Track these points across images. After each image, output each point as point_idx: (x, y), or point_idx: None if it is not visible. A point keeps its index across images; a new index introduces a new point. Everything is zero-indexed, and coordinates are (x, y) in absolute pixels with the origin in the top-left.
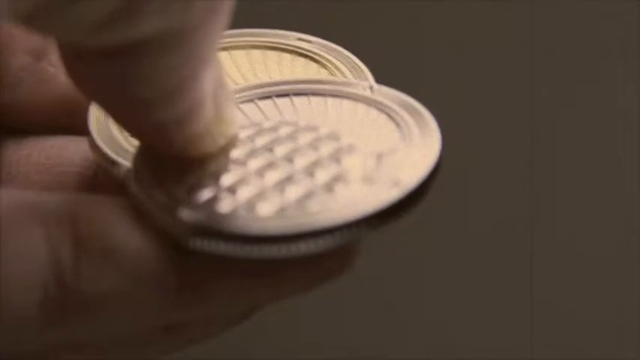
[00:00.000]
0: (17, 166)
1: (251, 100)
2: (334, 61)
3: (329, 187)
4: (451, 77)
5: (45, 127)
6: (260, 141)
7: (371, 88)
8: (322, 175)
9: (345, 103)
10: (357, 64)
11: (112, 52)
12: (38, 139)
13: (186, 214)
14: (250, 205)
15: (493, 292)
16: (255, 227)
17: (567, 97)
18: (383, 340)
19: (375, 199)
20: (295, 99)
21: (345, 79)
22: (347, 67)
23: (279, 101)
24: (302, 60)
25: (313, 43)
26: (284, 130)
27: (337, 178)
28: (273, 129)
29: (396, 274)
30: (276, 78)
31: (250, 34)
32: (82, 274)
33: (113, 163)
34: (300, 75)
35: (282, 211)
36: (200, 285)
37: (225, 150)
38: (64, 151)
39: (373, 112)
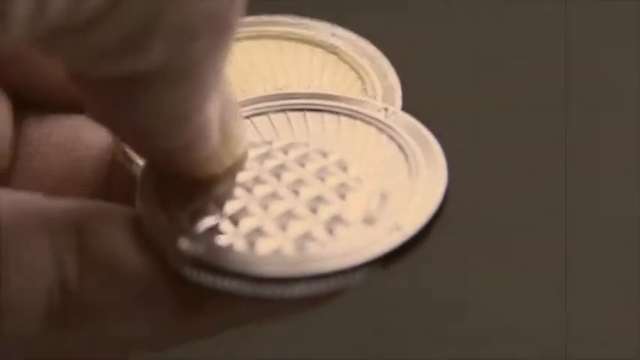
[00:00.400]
0: (37, 145)
1: (265, 114)
2: (365, 65)
3: (329, 227)
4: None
5: (66, 103)
6: (268, 164)
7: (385, 110)
8: (324, 212)
9: (358, 125)
10: (386, 72)
11: (117, 82)
12: (59, 117)
13: (185, 246)
14: (250, 241)
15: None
16: (251, 268)
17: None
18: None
19: (374, 246)
20: (309, 115)
21: (360, 98)
22: (376, 74)
23: (293, 116)
24: (333, 58)
25: (346, 41)
26: (293, 154)
27: (338, 218)
28: (283, 150)
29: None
30: (304, 76)
31: (285, 24)
32: (85, 285)
33: (130, 161)
34: (328, 73)
35: (280, 252)
36: (196, 305)
37: (232, 171)
38: (83, 134)
39: (384, 140)
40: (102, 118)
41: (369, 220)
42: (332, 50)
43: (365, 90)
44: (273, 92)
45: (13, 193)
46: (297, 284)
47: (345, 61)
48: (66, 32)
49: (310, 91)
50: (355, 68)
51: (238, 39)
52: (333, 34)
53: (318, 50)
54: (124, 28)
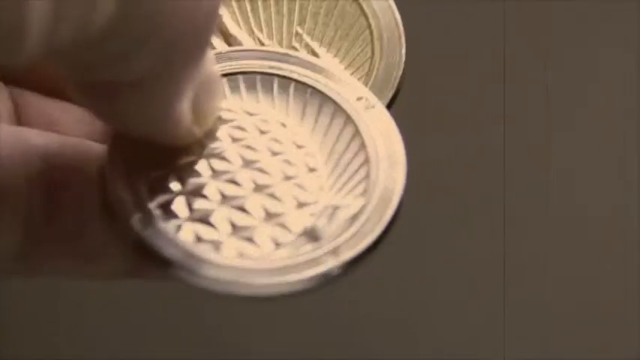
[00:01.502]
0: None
1: (253, 74)
2: (381, 18)
3: (273, 235)
4: None
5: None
6: (240, 141)
7: (366, 100)
8: (274, 215)
9: (337, 118)
10: (398, 34)
11: (101, 87)
12: None
13: (136, 224)
14: (196, 231)
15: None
16: (190, 263)
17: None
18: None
19: (308, 268)
20: (294, 89)
21: (347, 79)
22: (386, 34)
23: (279, 85)
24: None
25: None
26: (267, 137)
27: (285, 226)
28: (257, 128)
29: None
30: (316, 24)
31: None
32: (47, 236)
33: None
34: (337, 18)
35: (220, 251)
36: (141, 269)
37: (203, 141)
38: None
39: (356, 144)
40: (81, 105)
41: (312, 236)
42: None
43: (372, 43)
44: (269, 49)
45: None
46: (226, 288)
47: (364, 14)
48: (68, 48)
49: (304, 57)
50: (371, 26)
51: None
52: None
53: None
54: (121, 44)
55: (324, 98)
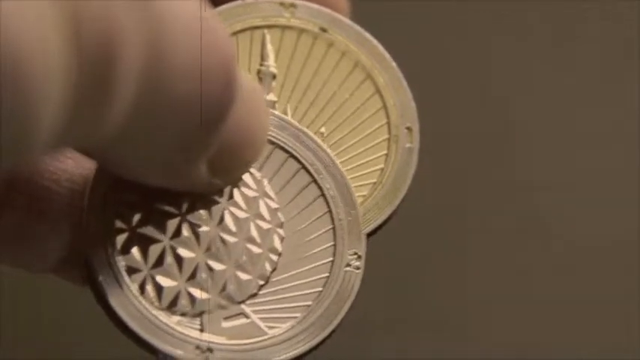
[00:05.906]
0: None
1: (295, 159)
2: (367, 60)
3: (175, 301)
4: None
5: None
6: (235, 204)
7: (357, 258)
8: (197, 283)
9: (327, 244)
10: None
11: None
12: None
13: (95, 261)
14: (141, 285)
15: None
16: (123, 311)
17: None
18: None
19: (175, 345)
20: (298, 176)
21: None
22: (391, 84)
23: (287, 166)
24: (334, 51)
25: (343, 32)
26: (258, 223)
27: (194, 298)
28: (258, 209)
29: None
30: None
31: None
32: None
33: None
34: (328, 65)
35: (153, 311)
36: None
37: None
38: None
39: (318, 285)
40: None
41: (201, 322)
42: (329, 41)
43: (379, 94)
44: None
45: None
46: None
47: (346, 55)
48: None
49: (327, 150)
50: (362, 65)
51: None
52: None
53: (315, 40)
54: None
55: (323, 196)
